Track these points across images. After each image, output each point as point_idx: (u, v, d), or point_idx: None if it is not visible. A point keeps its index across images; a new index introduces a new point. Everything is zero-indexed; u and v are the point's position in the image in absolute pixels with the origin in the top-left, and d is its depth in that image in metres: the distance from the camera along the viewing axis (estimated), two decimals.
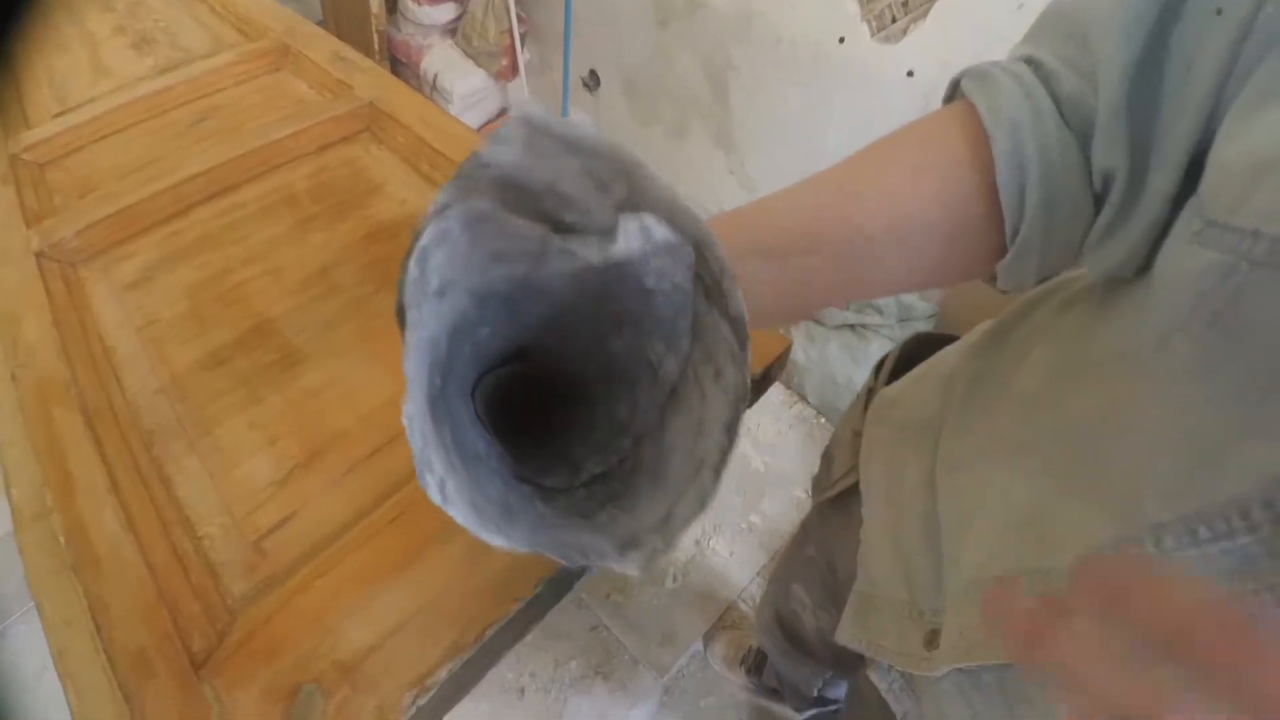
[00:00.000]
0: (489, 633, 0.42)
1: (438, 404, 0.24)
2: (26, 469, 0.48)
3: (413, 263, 0.22)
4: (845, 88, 1.33)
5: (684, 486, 0.24)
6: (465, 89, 1.84)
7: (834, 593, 0.55)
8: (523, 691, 1.08)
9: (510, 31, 1.78)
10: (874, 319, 1.33)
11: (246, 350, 0.58)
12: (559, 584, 0.45)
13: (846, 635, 0.43)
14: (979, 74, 0.29)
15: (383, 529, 0.46)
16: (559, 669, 1.10)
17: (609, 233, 0.24)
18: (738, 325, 0.24)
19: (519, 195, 0.24)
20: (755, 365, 0.54)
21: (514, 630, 0.44)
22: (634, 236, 0.23)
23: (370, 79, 0.85)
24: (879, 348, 1.31)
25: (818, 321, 1.39)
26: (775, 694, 1.03)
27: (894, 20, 1.22)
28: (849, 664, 0.67)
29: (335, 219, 0.69)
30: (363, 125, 0.80)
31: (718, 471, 0.24)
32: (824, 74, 1.34)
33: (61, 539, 0.44)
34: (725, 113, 1.58)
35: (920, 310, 1.34)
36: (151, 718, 0.37)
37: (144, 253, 0.66)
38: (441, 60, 1.84)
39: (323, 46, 0.93)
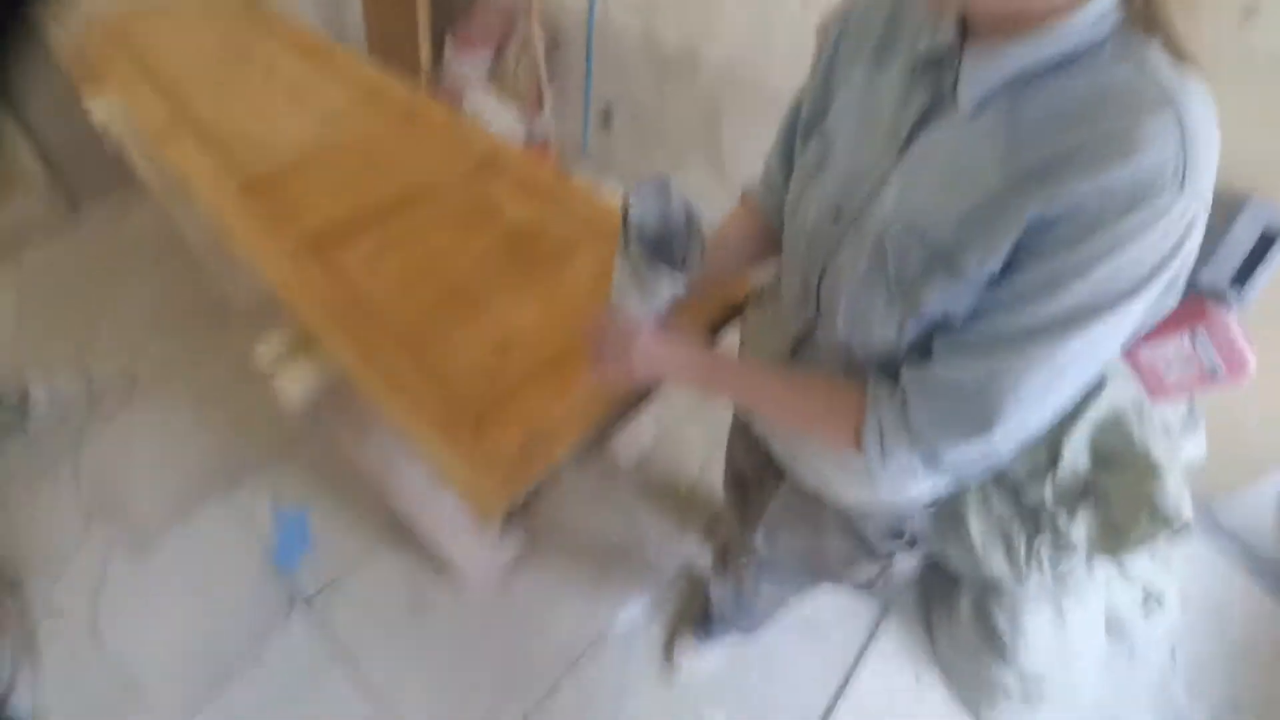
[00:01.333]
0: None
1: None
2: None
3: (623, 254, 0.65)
4: None
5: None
6: (501, 125, 2.32)
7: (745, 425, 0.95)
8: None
9: (538, 78, 2.26)
10: None
11: (449, 295, 1.03)
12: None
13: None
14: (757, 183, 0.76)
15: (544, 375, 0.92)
16: None
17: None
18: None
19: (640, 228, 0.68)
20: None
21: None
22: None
23: (477, 134, 1.32)
24: None
25: None
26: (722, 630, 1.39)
27: None
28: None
29: (478, 227, 1.16)
30: (482, 165, 1.27)
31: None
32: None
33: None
34: (716, 146, 2.07)
35: None
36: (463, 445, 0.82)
37: (364, 244, 1.11)
38: (480, 102, 2.31)
39: (437, 110, 1.41)
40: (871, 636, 1.51)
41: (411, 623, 1.46)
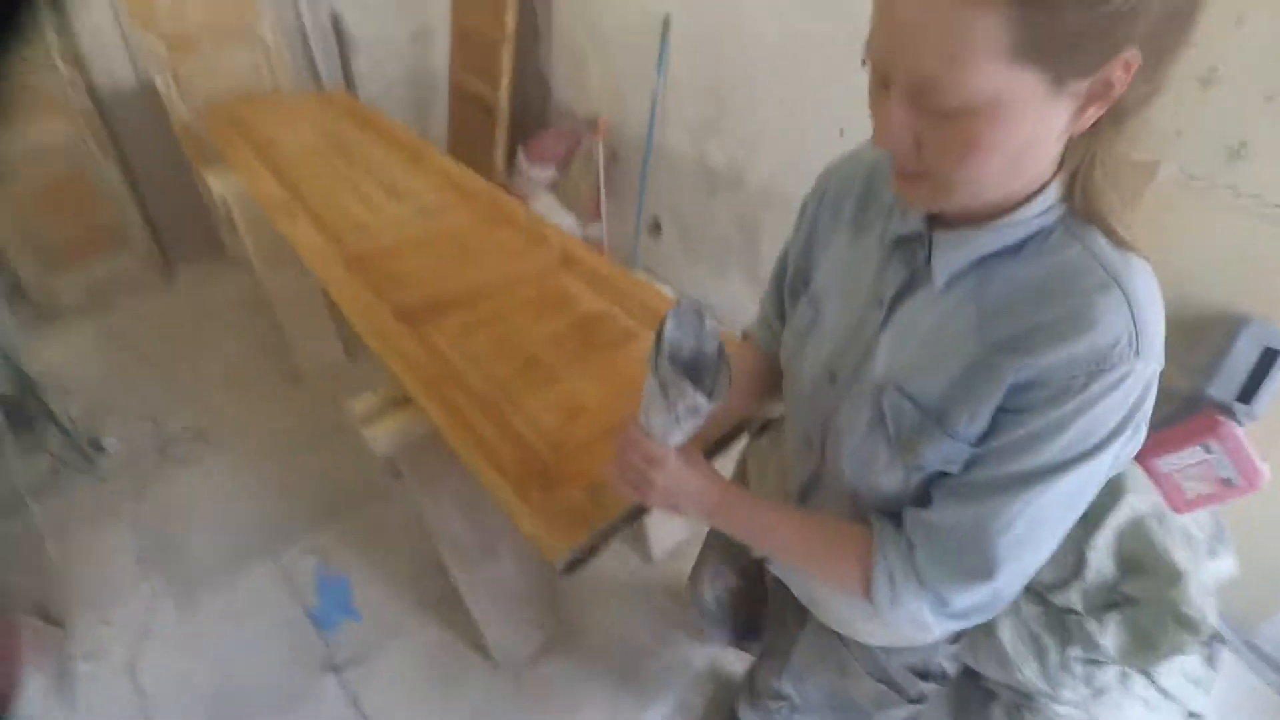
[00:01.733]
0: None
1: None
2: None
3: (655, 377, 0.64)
4: None
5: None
6: (562, 227, 2.57)
7: (740, 550, 1.01)
8: None
9: (598, 188, 2.54)
10: None
11: (525, 368, 1.17)
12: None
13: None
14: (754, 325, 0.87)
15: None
16: None
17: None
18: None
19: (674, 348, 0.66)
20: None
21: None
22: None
23: (554, 234, 1.52)
24: None
25: None
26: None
27: None
28: (738, 606, 1.13)
29: (553, 313, 1.32)
30: (559, 262, 1.45)
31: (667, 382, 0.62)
32: None
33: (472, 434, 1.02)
34: (755, 258, 2.28)
35: None
36: (535, 504, 0.93)
37: (454, 321, 1.27)
38: (545, 205, 2.59)
39: (520, 212, 1.62)
40: None
41: (439, 699, 1.49)
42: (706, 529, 1.21)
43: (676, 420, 0.65)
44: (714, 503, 0.68)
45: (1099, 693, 1.27)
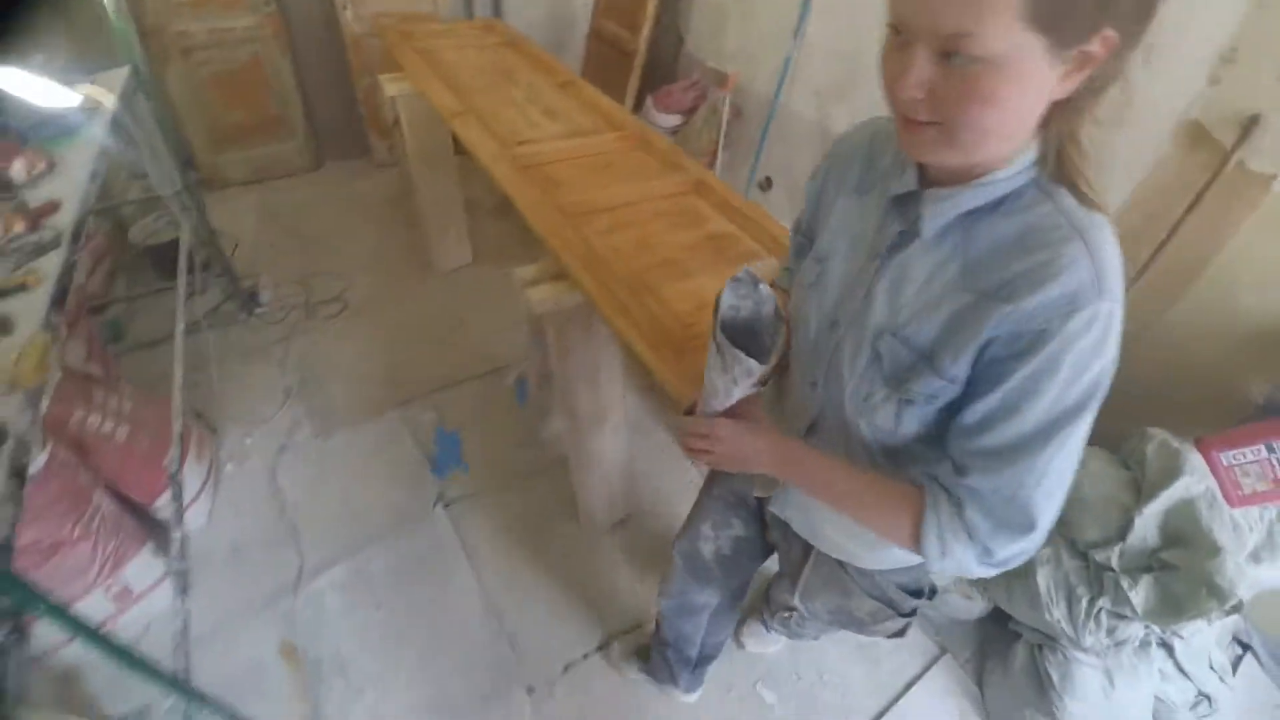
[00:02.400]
0: None
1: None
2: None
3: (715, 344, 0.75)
4: None
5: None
6: None
7: (740, 500, 1.08)
8: None
9: (717, 140, 2.73)
10: None
11: (661, 265, 1.40)
12: None
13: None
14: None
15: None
16: None
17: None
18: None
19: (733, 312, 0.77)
20: None
21: None
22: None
23: (690, 163, 1.74)
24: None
25: None
26: (663, 671, 1.47)
27: None
28: (737, 571, 1.19)
29: (686, 226, 1.54)
30: (692, 188, 1.67)
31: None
32: None
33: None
34: None
35: None
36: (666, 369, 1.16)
37: (601, 221, 1.51)
38: None
39: (660, 141, 1.84)
40: (924, 671, 1.68)
41: (527, 543, 1.77)
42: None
43: (734, 381, 0.74)
44: (777, 459, 0.77)
45: (1119, 644, 1.42)
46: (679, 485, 1.96)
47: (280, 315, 2.34)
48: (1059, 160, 0.58)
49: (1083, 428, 0.60)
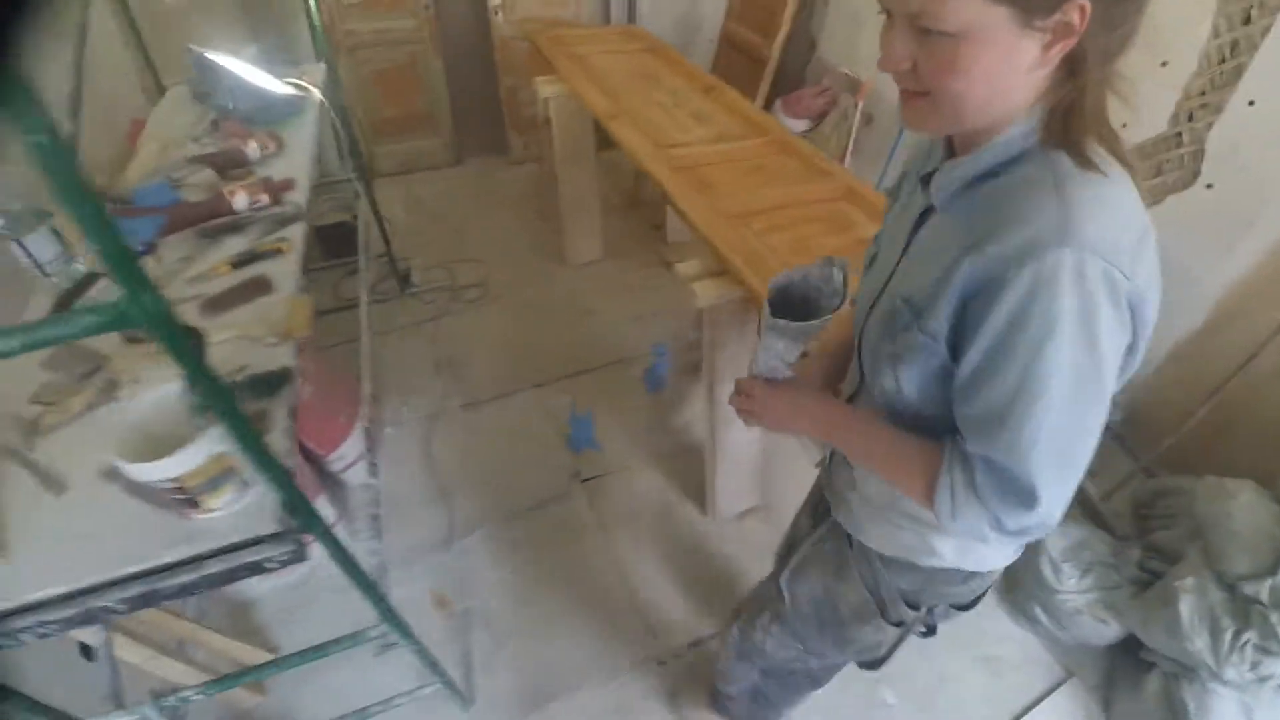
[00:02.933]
0: None
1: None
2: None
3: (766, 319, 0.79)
4: None
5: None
6: None
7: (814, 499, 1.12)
8: None
9: (845, 147, 2.79)
10: None
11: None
12: None
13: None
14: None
15: None
16: None
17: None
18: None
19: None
20: None
21: None
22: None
23: (837, 170, 1.82)
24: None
25: None
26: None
27: None
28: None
29: (839, 231, 1.63)
30: (843, 194, 1.75)
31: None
32: None
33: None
34: None
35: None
36: None
37: (758, 222, 1.62)
38: None
39: (804, 147, 1.93)
40: (1049, 692, 1.69)
41: (655, 524, 1.91)
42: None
43: (779, 354, 0.80)
44: (812, 417, 0.82)
45: (1262, 680, 1.40)
46: (805, 483, 2.03)
47: (429, 296, 2.58)
48: (1063, 125, 0.58)
49: (1082, 392, 0.58)
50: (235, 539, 0.79)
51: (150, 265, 1.18)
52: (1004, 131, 0.60)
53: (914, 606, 0.89)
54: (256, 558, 0.78)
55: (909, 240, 0.71)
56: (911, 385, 0.68)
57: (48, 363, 1.02)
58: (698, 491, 1.95)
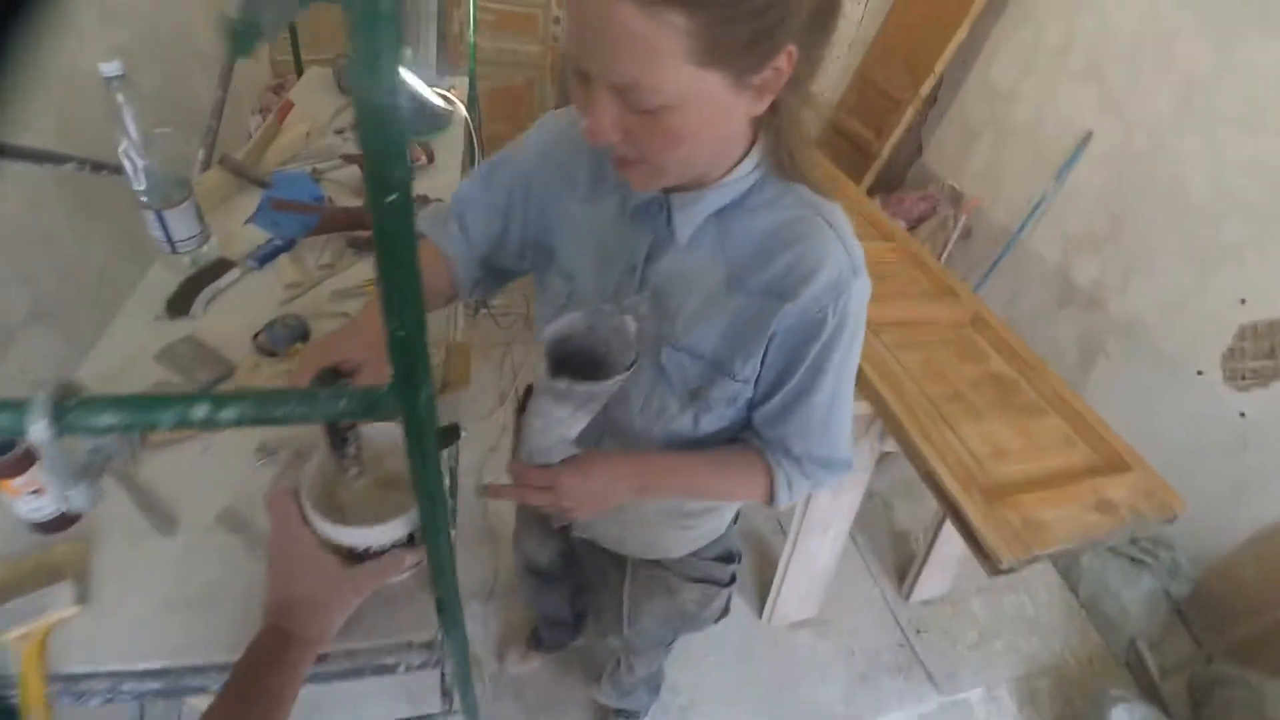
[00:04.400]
0: None
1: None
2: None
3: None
4: (1183, 402, 2.01)
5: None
6: None
7: (542, 523, 1.09)
8: None
9: (939, 256, 2.69)
10: (1150, 561, 1.92)
11: (952, 398, 1.37)
12: None
13: None
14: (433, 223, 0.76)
15: None
16: None
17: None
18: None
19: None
20: None
21: None
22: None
23: (963, 291, 1.71)
24: (1151, 580, 1.88)
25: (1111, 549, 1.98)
26: (553, 644, 1.55)
27: (1244, 379, 1.92)
28: (573, 562, 1.17)
29: (970, 359, 1.50)
30: (969, 320, 1.63)
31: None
32: (1175, 387, 2.04)
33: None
34: (1082, 380, 2.31)
35: (1186, 571, 1.91)
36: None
37: (889, 335, 1.50)
38: None
39: (933, 262, 1.82)
40: None
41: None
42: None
43: (560, 427, 0.62)
44: (634, 483, 0.69)
45: None
46: (862, 597, 1.88)
47: (507, 320, 2.46)
48: (789, 158, 0.61)
49: (853, 368, 0.69)
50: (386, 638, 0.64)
51: (287, 266, 1.06)
52: (734, 170, 0.61)
53: (731, 559, 0.98)
54: (394, 660, 0.64)
55: (642, 278, 0.67)
56: (711, 423, 0.71)
57: (164, 356, 0.89)
58: (754, 595, 1.79)
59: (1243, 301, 1.92)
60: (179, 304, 0.97)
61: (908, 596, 1.87)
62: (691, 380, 0.67)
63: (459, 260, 0.76)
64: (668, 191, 0.63)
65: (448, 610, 0.63)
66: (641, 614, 1.01)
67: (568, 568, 1.23)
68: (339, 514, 0.55)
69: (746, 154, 0.61)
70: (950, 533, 1.69)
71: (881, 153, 2.86)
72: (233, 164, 1.25)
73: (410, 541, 0.59)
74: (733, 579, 0.99)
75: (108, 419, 0.38)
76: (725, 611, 1.03)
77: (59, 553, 0.63)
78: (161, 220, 1.00)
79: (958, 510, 1.13)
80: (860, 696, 1.66)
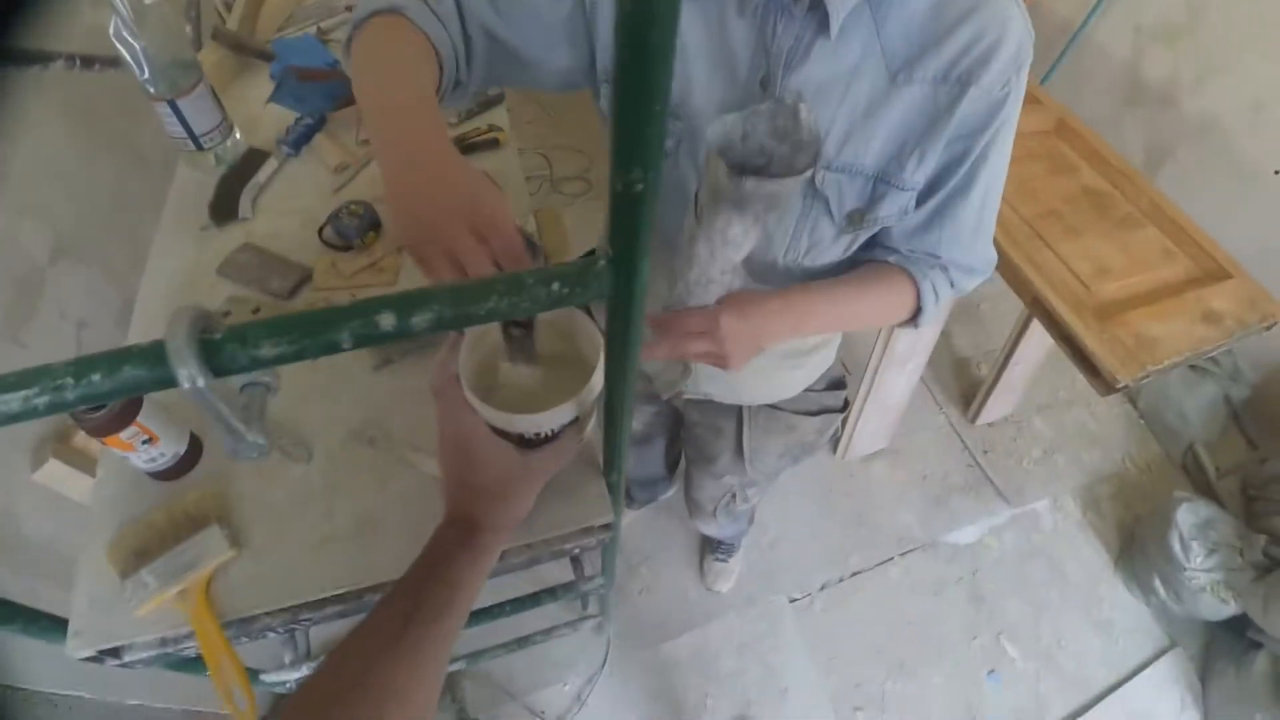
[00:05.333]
0: None
1: None
2: None
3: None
4: (1262, 205, 1.87)
5: None
6: None
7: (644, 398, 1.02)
8: None
9: None
10: (1213, 369, 1.89)
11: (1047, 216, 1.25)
12: None
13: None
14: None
15: None
16: None
17: None
18: None
19: None
20: None
21: None
22: None
23: (1046, 99, 1.51)
24: (1213, 387, 1.87)
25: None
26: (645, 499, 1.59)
27: None
28: (665, 420, 1.15)
29: (1061, 174, 1.36)
30: (1054, 127, 1.46)
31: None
32: (1250, 189, 1.89)
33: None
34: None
35: (1246, 376, 1.89)
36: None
37: None
38: None
39: None
40: (1156, 657, 1.64)
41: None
42: None
43: (732, 247, 0.52)
44: (787, 321, 0.61)
45: None
46: (929, 425, 1.89)
47: (530, 189, 2.29)
48: None
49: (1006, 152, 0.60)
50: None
51: (327, 146, 0.92)
52: None
53: (842, 384, 0.93)
54: (571, 545, 0.61)
55: (780, 81, 0.54)
56: (861, 245, 0.65)
57: (227, 269, 0.80)
58: None
59: None
60: (223, 208, 0.86)
61: (974, 420, 1.87)
62: (850, 201, 0.59)
63: (445, 45, 0.53)
64: None
65: (616, 491, 0.59)
66: (763, 453, 0.97)
67: (660, 427, 1.21)
68: (498, 398, 0.49)
69: None
70: (1020, 356, 1.65)
71: None
72: (228, 37, 1.06)
73: (574, 422, 0.53)
74: (846, 404, 0.95)
75: (269, 349, 0.30)
76: (839, 431, 0.99)
77: (193, 499, 0.58)
78: (178, 112, 0.85)
79: (1070, 334, 1.07)
80: (935, 517, 1.72)
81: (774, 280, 0.67)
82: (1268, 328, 1.22)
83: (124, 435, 0.54)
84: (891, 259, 0.65)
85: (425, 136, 0.44)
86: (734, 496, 1.19)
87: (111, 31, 0.78)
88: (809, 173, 0.47)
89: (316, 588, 0.55)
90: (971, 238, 0.62)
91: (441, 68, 0.53)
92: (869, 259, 0.67)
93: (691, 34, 0.55)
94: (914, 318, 0.68)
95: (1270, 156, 1.85)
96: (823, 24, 0.51)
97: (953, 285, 0.66)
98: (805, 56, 0.53)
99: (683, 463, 1.33)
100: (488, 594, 0.55)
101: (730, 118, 0.49)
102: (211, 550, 0.54)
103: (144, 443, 0.55)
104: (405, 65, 0.50)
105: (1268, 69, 1.81)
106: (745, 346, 0.58)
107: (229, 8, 1.23)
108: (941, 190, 0.59)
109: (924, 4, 0.52)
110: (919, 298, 0.65)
